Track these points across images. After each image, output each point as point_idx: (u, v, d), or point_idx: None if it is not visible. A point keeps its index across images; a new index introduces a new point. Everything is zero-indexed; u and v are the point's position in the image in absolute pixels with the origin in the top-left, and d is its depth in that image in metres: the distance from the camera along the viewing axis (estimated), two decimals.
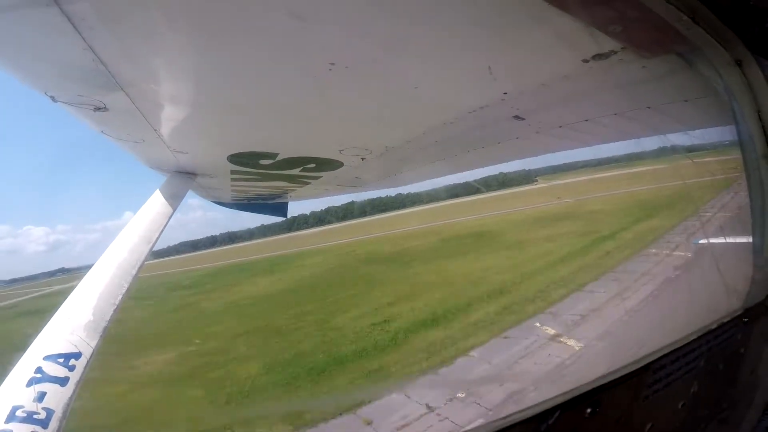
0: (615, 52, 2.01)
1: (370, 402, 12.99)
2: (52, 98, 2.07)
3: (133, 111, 2.20)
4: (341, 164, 3.91)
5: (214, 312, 31.19)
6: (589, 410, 1.79)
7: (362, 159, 3.82)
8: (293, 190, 5.59)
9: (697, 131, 3.56)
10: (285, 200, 6.72)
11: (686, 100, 2.90)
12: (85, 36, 1.48)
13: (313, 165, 3.88)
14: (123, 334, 26.87)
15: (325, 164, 3.91)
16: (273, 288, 36.01)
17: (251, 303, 31.85)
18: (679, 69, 2.34)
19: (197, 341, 23.45)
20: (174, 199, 3.34)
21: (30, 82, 2.01)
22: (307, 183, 4.82)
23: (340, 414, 12.62)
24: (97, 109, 2.17)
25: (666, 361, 2.13)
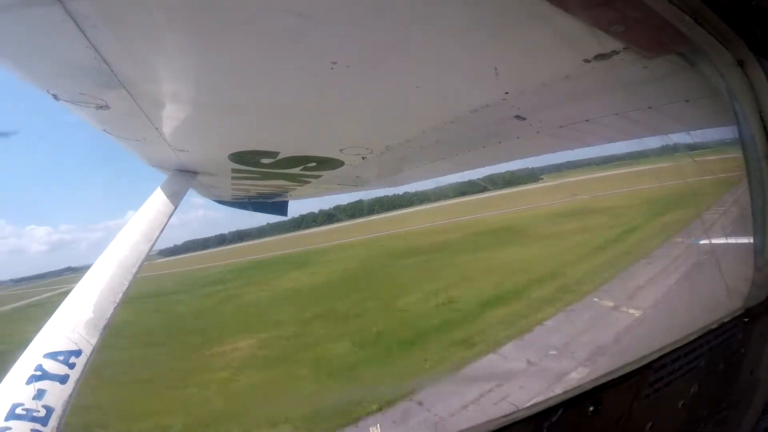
0: (617, 53, 2.00)
1: (470, 363, 14.08)
2: (55, 96, 2.07)
3: (134, 109, 2.20)
4: (342, 163, 3.91)
5: (268, 302, 30.89)
6: (591, 408, 1.79)
7: (363, 158, 3.82)
8: (294, 189, 5.60)
9: (698, 132, 3.56)
10: (285, 199, 6.73)
11: (687, 101, 2.90)
12: (88, 35, 1.48)
13: (313, 164, 3.88)
14: (186, 324, 27.45)
15: (326, 163, 3.91)
16: (315, 280, 35.37)
17: (301, 294, 31.48)
18: (681, 69, 2.34)
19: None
20: (175, 197, 3.34)
21: (32, 80, 2.01)
22: (308, 182, 4.82)
23: (448, 374, 13.65)
24: (99, 107, 2.17)
25: (667, 360, 2.14)
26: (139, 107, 2.20)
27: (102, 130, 2.67)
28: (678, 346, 2.22)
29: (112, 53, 1.65)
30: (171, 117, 2.50)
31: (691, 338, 2.28)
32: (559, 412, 1.68)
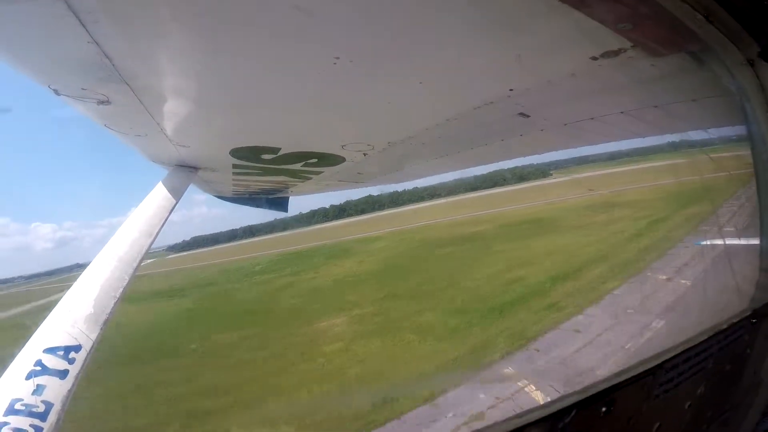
0: (624, 50, 1.97)
1: (564, 322, 15.49)
2: (56, 92, 2.05)
3: (136, 104, 2.18)
4: (343, 159, 3.88)
5: (330, 287, 30.92)
6: (604, 409, 1.78)
7: (364, 155, 3.79)
8: (295, 185, 5.58)
9: (706, 131, 3.52)
10: (286, 195, 6.72)
11: (695, 100, 2.87)
12: (91, 30, 1.47)
13: (315, 160, 3.86)
14: (261, 308, 28.12)
15: (327, 159, 3.89)
16: (365, 268, 35.27)
17: (358, 279, 31.49)
18: (690, 68, 2.31)
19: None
20: (176, 192, 3.32)
21: (33, 75, 1.99)
22: (309, 178, 4.80)
23: (551, 329, 15.15)
24: (101, 102, 2.16)
25: (678, 360, 2.12)
26: (141, 102, 2.18)
27: (103, 125, 2.65)
28: (688, 346, 2.20)
29: (114, 48, 1.64)
30: (172, 112, 2.48)
31: (701, 339, 2.26)
32: (573, 413, 1.66)
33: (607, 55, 2.02)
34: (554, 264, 23.34)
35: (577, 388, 1.81)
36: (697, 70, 2.29)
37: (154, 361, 20.10)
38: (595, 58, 2.08)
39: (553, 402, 1.74)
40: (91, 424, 13.56)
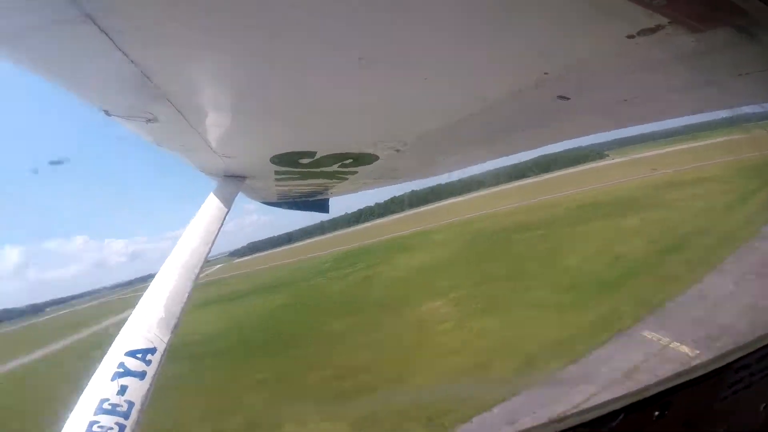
0: (662, 27, 1.85)
1: (689, 288, 15.75)
2: (106, 113, 2.18)
3: (180, 120, 2.32)
4: (377, 158, 3.92)
5: (414, 275, 30.80)
6: (656, 413, 1.68)
7: (397, 151, 3.80)
8: (333, 187, 5.69)
9: (758, 106, 3.20)
10: (327, 196, 6.87)
11: (741, 74, 2.62)
12: (125, 50, 1.53)
13: (350, 161, 3.93)
14: (352, 299, 29.75)
15: (361, 159, 3.94)
16: (440, 257, 34.29)
17: (440, 267, 30.87)
18: (735, 42, 2.12)
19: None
20: (227, 201, 3.49)
21: (83, 97, 2.12)
22: (345, 179, 4.88)
23: (672, 299, 15.31)
24: (149, 120, 2.30)
25: (751, 359, 1.95)
26: (185, 118, 2.31)
27: (153, 142, 2.85)
28: (763, 343, 2.01)
29: (151, 67, 1.71)
30: (214, 125, 2.62)
31: None
32: (620, 417, 1.58)
33: (643, 32, 1.90)
34: (651, 240, 22.30)
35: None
36: (746, 43, 2.10)
37: (287, 350, 21.78)
38: (632, 36, 1.97)
39: (598, 406, 1.67)
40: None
